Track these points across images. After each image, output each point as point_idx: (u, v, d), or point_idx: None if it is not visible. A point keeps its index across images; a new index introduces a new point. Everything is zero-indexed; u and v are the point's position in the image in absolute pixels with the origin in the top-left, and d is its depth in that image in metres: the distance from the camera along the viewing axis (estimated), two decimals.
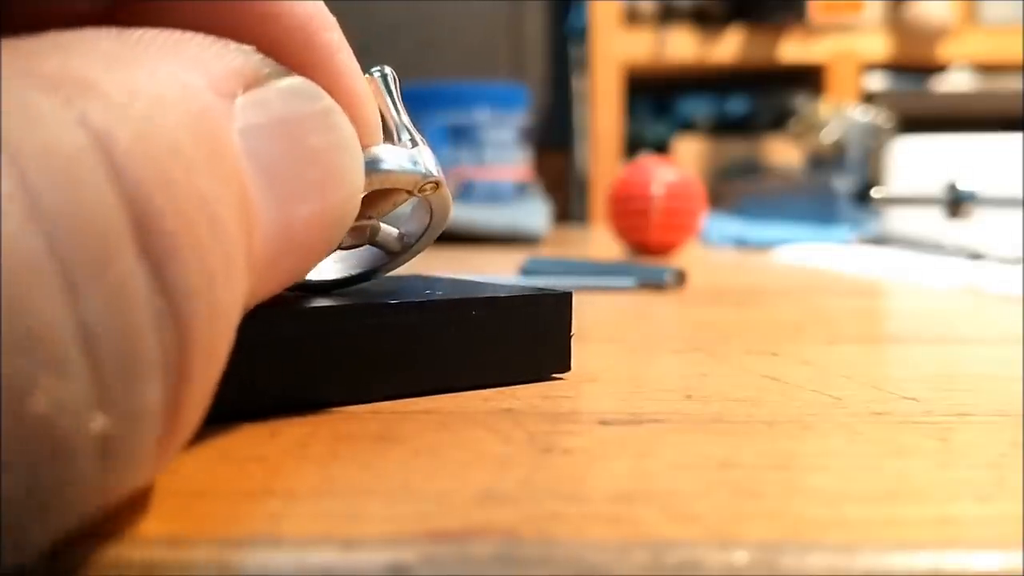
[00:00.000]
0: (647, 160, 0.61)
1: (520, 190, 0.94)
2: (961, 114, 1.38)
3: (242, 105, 0.12)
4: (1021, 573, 0.10)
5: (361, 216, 0.17)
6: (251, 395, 0.16)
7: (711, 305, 0.36)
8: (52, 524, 0.09)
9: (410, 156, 0.17)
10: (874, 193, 0.75)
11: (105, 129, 0.09)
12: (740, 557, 0.10)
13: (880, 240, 0.71)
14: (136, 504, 0.12)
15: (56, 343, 0.08)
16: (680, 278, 0.40)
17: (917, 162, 0.76)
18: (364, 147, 0.16)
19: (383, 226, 0.19)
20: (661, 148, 1.55)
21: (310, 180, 0.13)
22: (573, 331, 0.20)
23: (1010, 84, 1.45)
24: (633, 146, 1.53)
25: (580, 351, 0.24)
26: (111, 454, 0.09)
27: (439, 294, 0.19)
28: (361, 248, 0.20)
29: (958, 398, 0.19)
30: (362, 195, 0.15)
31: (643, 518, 0.11)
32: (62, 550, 0.10)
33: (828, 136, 0.90)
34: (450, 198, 0.19)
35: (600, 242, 0.82)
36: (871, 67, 1.51)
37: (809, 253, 0.63)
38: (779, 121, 1.43)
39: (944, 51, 1.50)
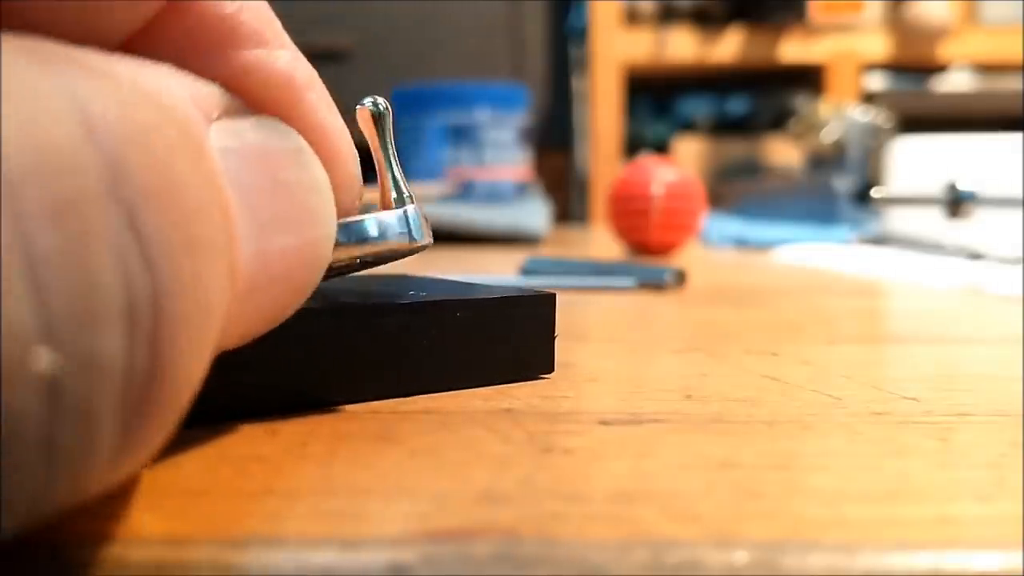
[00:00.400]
0: (647, 160, 0.61)
1: (520, 190, 0.94)
2: (961, 114, 1.38)
3: (217, 129, 0.12)
4: (1021, 573, 0.10)
5: None
6: (233, 394, 0.16)
7: (711, 305, 0.36)
8: None
9: (399, 224, 0.17)
10: (874, 193, 0.75)
11: (82, 91, 0.09)
12: (740, 557, 0.10)
13: (880, 240, 0.71)
14: (136, 504, 0.12)
15: None
16: (680, 278, 0.40)
17: (917, 162, 0.76)
18: (340, 204, 0.15)
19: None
20: (661, 148, 1.55)
21: (284, 213, 0.13)
22: (557, 332, 0.20)
23: (1010, 84, 1.45)
24: (633, 146, 1.53)
25: (580, 351, 0.24)
26: (61, 403, 0.09)
27: (423, 295, 0.19)
28: None
29: (958, 398, 0.19)
30: (344, 257, 0.15)
31: (643, 518, 0.11)
32: (62, 550, 0.10)
33: (828, 136, 0.90)
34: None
35: (600, 242, 0.82)
36: (871, 67, 1.51)
37: (809, 253, 0.63)
38: (779, 121, 1.43)
39: (944, 51, 1.50)
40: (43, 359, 0.08)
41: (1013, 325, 0.31)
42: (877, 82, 1.50)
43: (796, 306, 0.36)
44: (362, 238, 0.16)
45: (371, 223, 0.17)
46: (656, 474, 0.13)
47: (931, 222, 0.65)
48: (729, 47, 1.49)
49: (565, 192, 1.53)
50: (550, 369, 0.20)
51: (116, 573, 0.10)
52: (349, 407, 0.17)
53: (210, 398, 0.12)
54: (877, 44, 1.50)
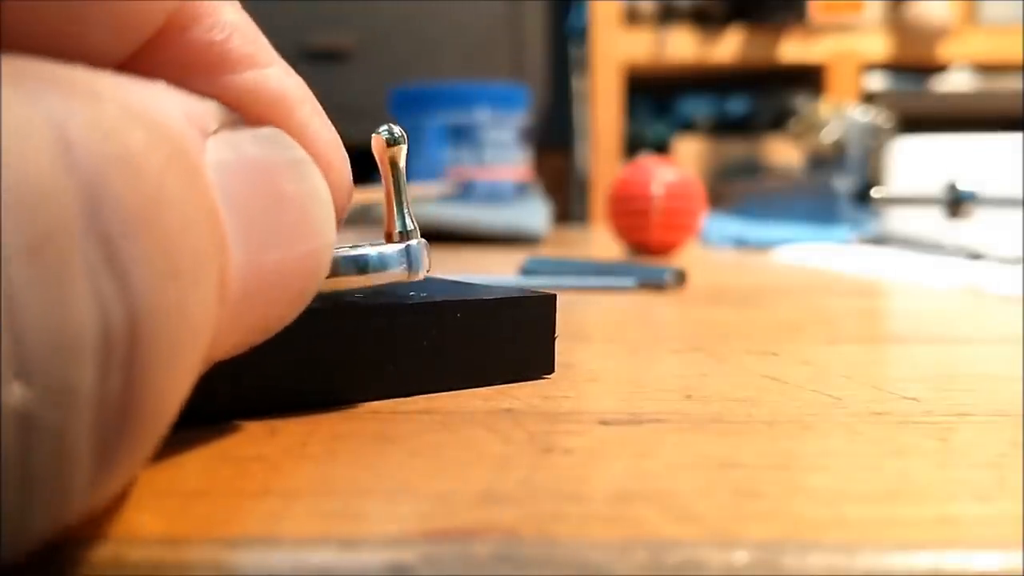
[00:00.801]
0: (647, 160, 0.61)
1: (520, 190, 0.93)
2: (961, 114, 1.38)
3: (215, 142, 0.12)
4: (1021, 573, 0.10)
5: None
6: (233, 394, 0.16)
7: (711, 305, 0.36)
8: None
9: (402, 257, 0.18)
10: (874, 193, 0.75)
11: (63, 117, 0.09)
12: (740, 557, 0.10)
13: (880, 240, 0.71)
14: (135, 504, 0.12)
15: None
16: (680, 278, 0.40)
17: (917, 162, 0.76)
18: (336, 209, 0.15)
19: None
20: (661, 148, 1.55)
21: (281, 225, 0.13)
22: (557, 333, 0.20)
23: (1010, 84, 1.45)
24: (633, 146, 1.53)
25: (580, 351, 0.24)
26: (34, 436, 0.09)
27: (424, 295, 0.19)
28: None
29: (958, 398, 0.19)
30: (345, 288, 0.16)
31: (643, 518, 0.11)
32: (61, 550, 0.10)
33: (828, 136, 0.90)
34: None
35: (600, 242, 0.82)
36: (871, 67, 1.51)
37: (809, 253, 0.63)
38: (779, 121, 1.43)
39: (944, 51, 1.50)
40: (15, 394, 0.08)
41: (1013, 325, 0.31)
42: (877, 82, 1.50)
43: (796, 306, 0.36)
44: (365, 270, 0.17)
45: (375, 257, 0.17)
46: (656, 474, 0.13)
47: (931, 222, 0.65)
48: (729, 47, 1.49)
49: (565, 192, 1.53)
50: (550, 369, 0.20)
51: (114, 573, 0.10)
52: (349, 407, 0.17)
53: (210, 398, 0.12)
54: (877, 44, 1.50)
